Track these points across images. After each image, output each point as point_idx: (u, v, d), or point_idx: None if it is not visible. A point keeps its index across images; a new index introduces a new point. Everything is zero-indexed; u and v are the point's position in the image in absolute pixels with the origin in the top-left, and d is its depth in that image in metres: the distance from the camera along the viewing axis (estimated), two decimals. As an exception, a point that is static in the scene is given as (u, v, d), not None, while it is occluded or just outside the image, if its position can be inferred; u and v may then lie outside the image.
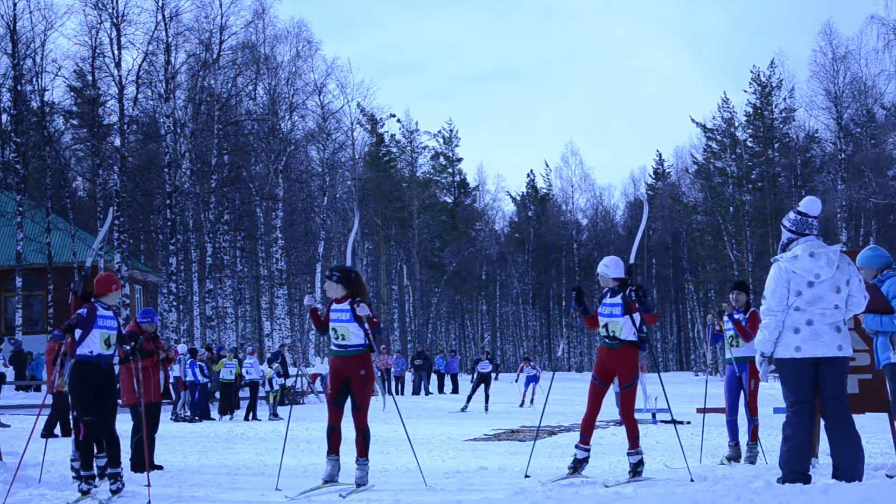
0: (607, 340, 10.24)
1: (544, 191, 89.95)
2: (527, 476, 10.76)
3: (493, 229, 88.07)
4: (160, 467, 12.64)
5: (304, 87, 54.89)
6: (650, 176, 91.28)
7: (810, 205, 8.09)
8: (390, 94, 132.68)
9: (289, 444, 16.61)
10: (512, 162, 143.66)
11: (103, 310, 10.11)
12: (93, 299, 10.14)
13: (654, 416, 23.68)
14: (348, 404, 10.14)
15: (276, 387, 28.27)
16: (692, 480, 10.04)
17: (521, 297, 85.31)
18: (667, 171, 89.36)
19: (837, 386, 7.93)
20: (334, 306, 10.21)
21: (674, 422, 13.05)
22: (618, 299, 10.13)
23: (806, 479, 7.78)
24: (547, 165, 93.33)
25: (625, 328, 10.11)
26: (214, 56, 47.96)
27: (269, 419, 26.85)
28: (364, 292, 10.28)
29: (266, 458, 14.80)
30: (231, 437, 19.12)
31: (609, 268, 10.26)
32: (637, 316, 10.12)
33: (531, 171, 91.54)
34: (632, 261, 10.49)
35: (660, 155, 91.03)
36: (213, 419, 26.75)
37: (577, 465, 10.32)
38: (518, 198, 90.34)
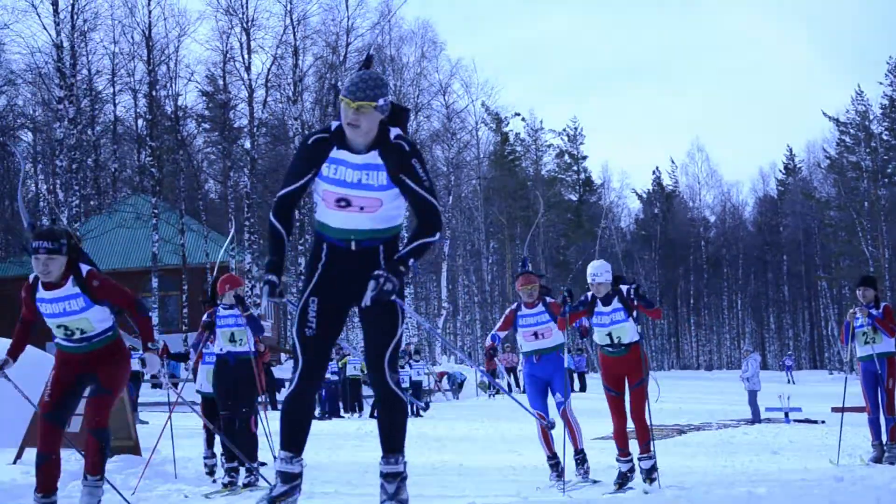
0: (610, 349, 9.98)
1: (670, 188, 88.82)
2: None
3: (618, 227, 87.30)
4: None
5: (429, 88, 55.39)
6: (780, 171, 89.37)
7: None
8: (514, 93, 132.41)
9: (418, 441, 16.73)
10: (637, 159, 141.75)
11: (223, 310, 10.57)
12: (218, 301, 10.70)
13: (786, 415, 23.23)
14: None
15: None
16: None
17: (648, 296, 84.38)
18: (798, 166, 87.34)
19: None
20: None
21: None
22: (616, 304, 9.91)
23: None
24: (673, 162, 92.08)
25: (630, 331, 9.95)
26: (341, 58, 48.62)
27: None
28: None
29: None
30: (360, 434, 19.30)
31: (603, 274, 9.94)
32: (636, 313, 9.93)
33: (657, 168, 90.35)
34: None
35: (790, 150, 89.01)
36: (343, 417, 27.09)
37: (624, 479, 10.01)
38: (644, 195, 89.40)
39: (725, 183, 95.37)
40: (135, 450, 11.72)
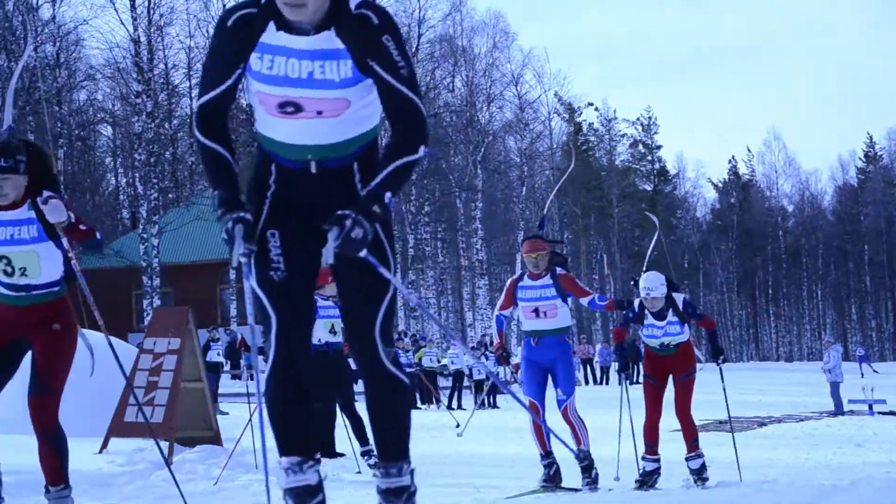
0: (658, 349, 9.60)
1: (747, 177, 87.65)
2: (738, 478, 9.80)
3: (694, 217, 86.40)
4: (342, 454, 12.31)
5: (501, 78, 55.31)
6: (860, 159, 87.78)
7: None
8: (587, 83, 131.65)
9: (496, 432, 16.71)
10: (712, 148, 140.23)
11: (322, 300, 10.72)
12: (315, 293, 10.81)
13: (870, 407, 22.85)
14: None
15: (480, 376, 28.45)
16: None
17: (725, 286, 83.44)
18: (879, 153, 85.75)
19: None
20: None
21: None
22: (670, 317, 9.36)
23: None
24: (749, 151, 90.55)
25: (682, 337, 9.56)
26: (413, 49, 48.73)
27: (476, 409, 27.03)
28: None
29: (471, 447, 14.83)
30: (437, 426, 19.32)
31: (658, 288, 9.33)
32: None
33: (732, 157, 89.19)
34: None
35: (870, 137, 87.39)
36: (420, 408, 27.14)
37: (646, 478, 9.44)
38: (720, 185, 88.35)
39: (803, 171, 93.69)
40: (216, 440, 11.85)
